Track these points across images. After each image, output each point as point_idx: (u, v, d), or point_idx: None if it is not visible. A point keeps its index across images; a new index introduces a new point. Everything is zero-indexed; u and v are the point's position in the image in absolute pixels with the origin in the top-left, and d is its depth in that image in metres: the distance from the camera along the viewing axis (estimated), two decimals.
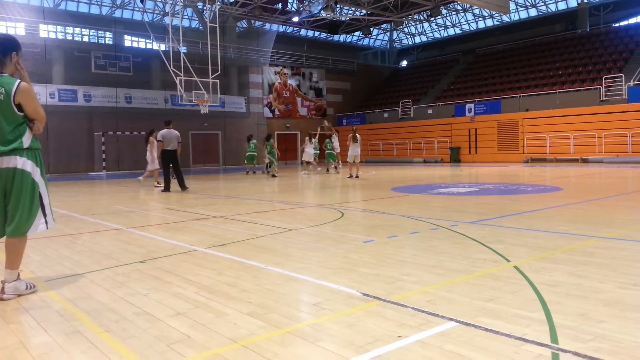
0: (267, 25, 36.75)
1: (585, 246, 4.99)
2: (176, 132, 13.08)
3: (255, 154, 21.78)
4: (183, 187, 13.19)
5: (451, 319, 2.90)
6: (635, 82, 23.69)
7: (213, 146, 31.94)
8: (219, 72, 22.48)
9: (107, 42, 31.89)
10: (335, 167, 22.01)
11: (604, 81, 24.48)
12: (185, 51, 24.83)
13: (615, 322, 2.80)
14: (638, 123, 22.30)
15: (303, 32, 39.16)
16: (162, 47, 28.48)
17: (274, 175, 19.73)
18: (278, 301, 3.40)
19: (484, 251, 4.79)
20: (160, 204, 10.23)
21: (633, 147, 22.43)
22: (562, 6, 34.36)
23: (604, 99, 24.15)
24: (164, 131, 12.93)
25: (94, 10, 32.30)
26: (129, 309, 3.33)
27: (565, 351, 2.41)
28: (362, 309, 3.17)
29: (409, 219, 7.35)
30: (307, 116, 36.34)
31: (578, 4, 32.74)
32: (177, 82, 21.68)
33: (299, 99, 35.98)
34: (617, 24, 31.41)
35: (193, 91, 22.52)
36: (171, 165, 13.19)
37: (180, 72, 21.58)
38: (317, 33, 39.70)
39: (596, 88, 24.56)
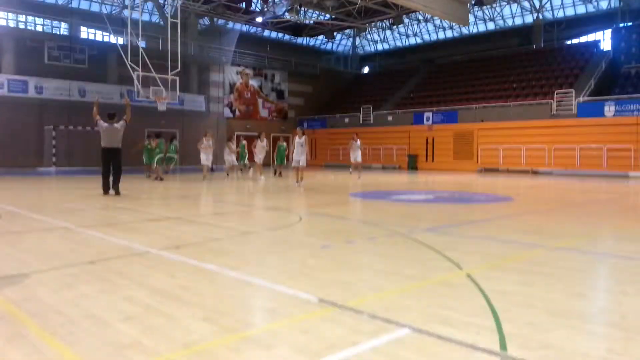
0: (230, 24, 36.37)
1: (533, 256, 5.17)
2: (118, 128, 11.28)
3: (174, 155, 21.18)
4: (116, 190, 11.24)
5: (405, 326, 2.93)
6: (585, 98, 24.80)
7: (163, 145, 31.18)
8: (179, 69, 22.04)
9: (62, 32, 30.74)
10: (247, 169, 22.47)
11: (555, 96, 25.51)
12: (144, 46, 24.20)
13: (562, 331, 2.90)
14: (586, 138, 23.33)
15: (266, 33, 38.97)
16: (120, 40, 27.69)
17: (243, 169, 21.13)
18: (233, 306, 3.36)
19: (438, 258, 4.89)
20: (113, 203, 9.92)
21: (581, 160, 23.45)
22: (518, 21, 35.60)
23: (555, 113, 25.15)
24: (105, 125, 11.18)
25: None
26: (77, 311, 3.21)
27: (513, 359, 2.48)
28: (318, 315, 3.17)
29: (367, 225, 7.42)
30: (268, 118, 36.15)
31: (533, 20, 34.00)
32: (135, 77, 21.09)
33: (260, 100, 35.75)
34: (569, 41, 32.82)
35: (151, 87, 21.97)
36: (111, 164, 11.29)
37: (138, 67, 21.03)
38: (280, 34, 39.61)
39: (548, 102, 25.55)
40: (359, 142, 19.30)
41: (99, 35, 32.32)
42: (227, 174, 20.53)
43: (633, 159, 21.88)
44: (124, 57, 21.22)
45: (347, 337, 2.77)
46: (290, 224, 7.41)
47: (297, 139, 15.02)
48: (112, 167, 11.25)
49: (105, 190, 11.23)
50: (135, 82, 21.28)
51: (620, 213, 9.39)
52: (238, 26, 36.75)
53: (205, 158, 17.78)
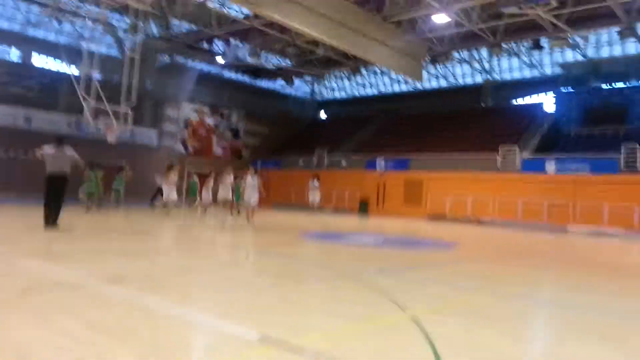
0: (190, 62, 36.43)
1: (478, 301, 5.25)
2: (67, 153, 10.16)
3: (120, 188, 20.78)
4: (54, 222, 9.92)
5: None
6: (528, 155, 26.11)
7: (109, 177, 30.23)
8: (134, 103, 21.73)
9: (13, 59, 29.87)
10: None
11: (500, 151, 26.72)
12: (99, 78, 23.83)
13: None
14: (529, 191, 24.41)
15: (226, 73, 39.24)
16: (75, 70, 27.16)
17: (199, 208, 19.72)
18: (170, 343, 3.19)
19: (384, 301, 4.87)
20: (51, 233, 9.42)
21: (523, 212, 24.41)
22: (469, 81, 37.49)
23: (500, 167, 26.28)
24: (50, 151, 10.01)
25: (3, 24, 30.28)
26: (3, 343, 2.96)
27: None
28: (259, 354, 3.06)
29: (316, 266, 7.35)
30: (222, 156, 35.90)
31: (483, 81, 35.95)
32: (85, 107, 20.61)
33: (215, 138, 35.56)
34: (516, 102, 34.80)
35: (101, 118, 21.49)
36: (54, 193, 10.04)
37: (90, 98, 20.59)
38: (240, 75, 39.95)
39: (494, 157, 26.71)
40: (316, 182, 18.98)
41: (52, 64, 31.57)
42: (154, 208, 19.93)
43: (571, 214, 22.98)
44: (76, 87, 20.78)
45: None
46: (237, 262, 7.25)
47: (249, 179, 14.69)
48: (54, 196, 9.94)
49: (47, 222, 9.82)
50: (86, 112, 20.79)
51: (559, 263, 9.75)
52: (198, 64, 36.87)
53: (169, 193, 16.83)
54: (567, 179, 23.61)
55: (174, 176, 16.84)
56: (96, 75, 22.42)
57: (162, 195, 25.98)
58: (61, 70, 30.11)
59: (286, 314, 4.14)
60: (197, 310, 4.10)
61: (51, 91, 27.99)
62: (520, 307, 5.17)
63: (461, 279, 6.75)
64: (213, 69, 38.01)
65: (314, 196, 18.82)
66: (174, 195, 16.94)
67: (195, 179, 22.75)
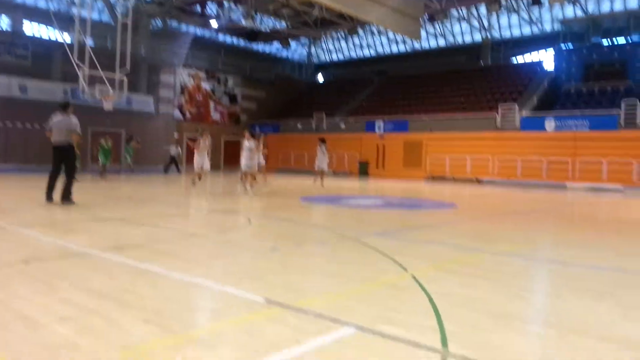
0: (184, 27, 35.74)
1: (476, 259, 5.33)
2: (72, 121, 9.45)
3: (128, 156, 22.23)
4: (66, 197, 9.20)
5: (350, 326, 2.94)
6: (527, 113, 25.96)
7: (116, 145, 30.23)
8: (128, 70, 21.43)
9: (4, 27, 29.25)
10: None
11: (500, 110, 26.54)
12: (92, 44, 23.41)
13: (501, 332, 3.00)
14: (528, 150, 24.40)
15: (221, 37, 38.53)
16: (67, 38, 26.68)
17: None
18: (175, 308, 3.26)
19: (385, 261, 4.95)
20: (53, 202, 9.47)
21: (522, 171, 24.47)
22: (468, 39, 36.84)
23: (499, 126, 26.17)
24: (57, 118, 9.38)
25: None
26: (9, 313, 3.03)
27: (454, 357, 2.53)
28: (263, 316, 3.13)
29: (316, 229, 7.43)
30: (219, 121, 35.70)
31: (482, 39, 35.32)
32: (80, 75, 20.35)
33: (212, 103, 35.27)
34: (515, 60, 34.31)
35: (97, 86, 21.25)
36: (63, 165, 9.36)
37: (85, 65, 20.30)
38: (235, 39, 39.25)
39: (493, 116, 26.56)
40: (324, 148, 17.30)
41: (43, 31, 30.95)
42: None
43: (570, 171, 23.04)
44: (69, 54, 20.45)
45: (292, 336, 2.74)
46: (239, 226, 7.32)
47: (245, 143, 14.32)
48: (62, 168, 9.26)
49: (49, 196, 9.16)
50: (81, 80, 20.54)
51: (557, 221, 9.85)
52: (192, 29, 36.17)
53: (202, 162, 15.29)
54: (566, 136, 23.57)
55: (204, 143, 15.28)
56: (89, 42, 22.02)
57: (176, 164, 26.11)
58: (53, 38, 29.57)
59: (288, 277, 4.21)
60: (201, 274, 4.17)
61: (45, 59, 27.56)
62: (518, 265, 5.25)
63: (460, 238, 6.83)
64: (207, 33, 37.32)
65: (322, 162, 17.24)
66: (207, 164, 15.41)
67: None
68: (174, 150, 26.65)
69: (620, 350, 2.73)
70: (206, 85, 34.92)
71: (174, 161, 26.61)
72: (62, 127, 9.23)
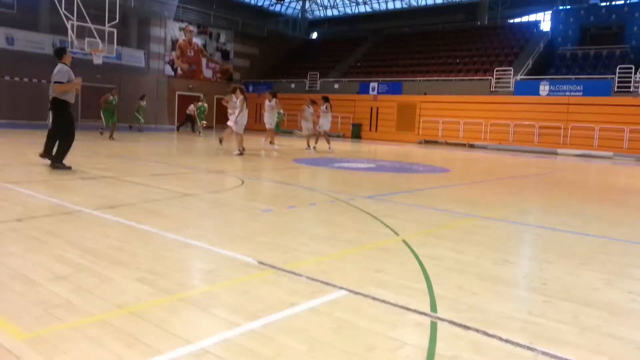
0: None
1: (466, 224, 5.41)
2: (55, 71, 7.97)
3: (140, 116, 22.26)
4: (56, 160, 8.11)
5: (342, 288, 3.00)
6: (522, 77, 25.77)
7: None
8: (117, 20, 20.87)
9: None
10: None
11: (495, 73, 26.33)
12: None
13: (487, 294, 3.08)
14: (521, 115, 24.37)
15: None
16: None
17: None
18: (169, 267, 3.30)
19: (376, 225, 5.01)
20: (44, 159, 9.38)
21: (514, 136, 24.52)
22: None
23: (493, 89, 26.01)
24: (55, 69, 8.03)
25: None
26: (3, 271, 3.05)
27: (442, 319, 2.61)
28: (257, 277, 3.18)
29: (309, 191, 7.46)
30: (212, 78, 35.13)
31: None
32: (69, 26, 19.81)
33: (204, 60, 34.59)
34: (511, 20, 33.78)
35: (86, 38, 20.72)
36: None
37: (73, 16, 19.73)
38: None
39: (488, 79, 26.35)
40: (326, 107, 16.32)
41: None
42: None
43: (562, 137, 23.13)
44: (57, 4, 19.82)
45: (285, 298, 2.80)
46: (232, 187, 7.33)
47: (267, 102, 15.23)
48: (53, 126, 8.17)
49: (43, 154, 8.22)
50: (69, 31, 20.02)
51: (547, 187, 9.96)
52: None
53: (240, 120, 13.13)
54: (560, 100, 23.51)
55: (238, 99, 13.14)
56: None
57: (191, 123, 25.73)
58: None
59: (280, 239, 4.26)
60: (194, 235, 4.20)
61: (32, 9, 26.68)
62: (507, 229, 5.34)
63: (452, 203, 6.90)
64: None
65: (325, 123, 16.21)
66: (243, 120, 13.11)
67: (204, 103, 23.61)
68: (191, 108, 26.03)
69: (603, 316, 2.82)
70: (198, 40, 34.14)
71: (189, 120, 26.12)
72: (51, 79, 8.08)
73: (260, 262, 3.46)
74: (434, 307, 2.78)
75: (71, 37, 19.99)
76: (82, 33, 20.61)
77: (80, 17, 19.90)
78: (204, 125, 23.71)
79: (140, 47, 31.25)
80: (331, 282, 3.10)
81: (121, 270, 3.17)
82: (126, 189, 6.54)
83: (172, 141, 18.54)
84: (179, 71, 33.17)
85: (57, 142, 8.09)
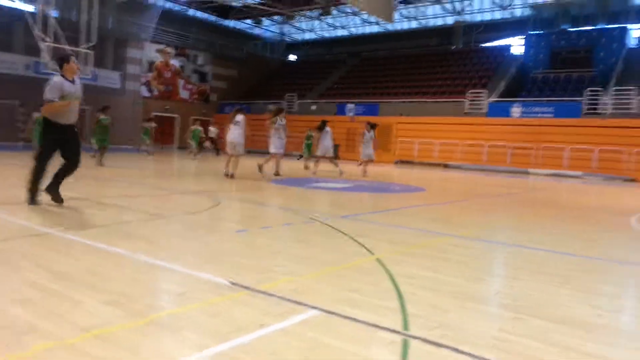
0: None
1: (441, 243, 5.47)
2: (52, 82, 6.31)
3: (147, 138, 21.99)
4: (29, 192, 6.38)
5: (314, 308, 3.00)
6: (495, 99, 26.42)
7: (80, 123, 29.41)
8: (93, 42, 20.79)
9: None
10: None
11: (469, 95, 26.92)
12: (56, 15, 22.56)
13: (459, 312, 3.11)
14: (494, 136, 24.91)
15: (191, 12, 37.61)
16: (30, 7, 25.57)
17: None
18: (140, 290, 3.25)
19: (351, 244, 5.02)
20: (11, 179, 9.21)
21: (488, 156, 25.00)
22: (440, 22, 37.09)
23: (467, 111, 26.57)
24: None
25: None
26: None
27: (414, 337, 2.62)
28: (229, 298, 3.15)
29: (285, 211, 7.46)
30: (188, 100, 35.08)
31: (454, 22, 35.57)
32: (43, 47, 19.64)
33: (181, 81, 34.57)
34: (485, 44, 34.72)
35: None
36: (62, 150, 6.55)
37: (49, 38, 19.58)
38: (206, 15, 38.39)
39: (462, 101, 26.92)
40: (372, 133, 15.87)
41: (4, 1, 29.58)
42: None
43: (534, 157, 23.67)
44: (32, 25, 19.68)
45: (257, 319, 2.78)
46: (207, 207, 7.28)
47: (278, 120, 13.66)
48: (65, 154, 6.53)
49: (36, 193, 6.43)
50: (44, 52, 19.84)
51: (519, 206, 10.15)
52: (161, 2, 35.20)
53: (280, 144, 13.63)
54: (531, 122, 24.15)
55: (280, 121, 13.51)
56: (53, 12, 21.23)
57: (215, 146, 25.31)
58: (15, 7, 28.31)
59: (254, 259, 4.24)
60: (166, 256, 4.15)
61: (6, 30, 26.42)
62: (480, 248, 5.42)
63: (427, 222, 6.98)
64: (177, 7, 36.38)
65: (368, 149, 15.70)
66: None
67: (199, 126, 23.50)
68: (213, 131, 25.70)
69: (571, 332, 2.87)
70: (175, 62, 34.17)
71: (213, 143, 25.79)
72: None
73: (233, 283, 3.44)
74: (406, 326, 2.79)
75: (45, 57, 19.80)
76: (57, 54, 20.44)
77: (56, 38, 19.76)
78: (206, 147, 23.72)
79: (116, 68, 31.13)
80: (304, 302, 3.09)
81: (90, 293, 3.11)
82: (99, 211, 6.44)
83: (148, 162, 18.35)
84: (155, 92, 33.06)
85: (61, 173, 6.58)
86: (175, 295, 3.27)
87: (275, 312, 2.91)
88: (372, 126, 16.21)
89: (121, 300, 3.00)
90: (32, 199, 6.35)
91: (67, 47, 20.19)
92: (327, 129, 15.75)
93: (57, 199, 6.46)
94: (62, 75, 6.39)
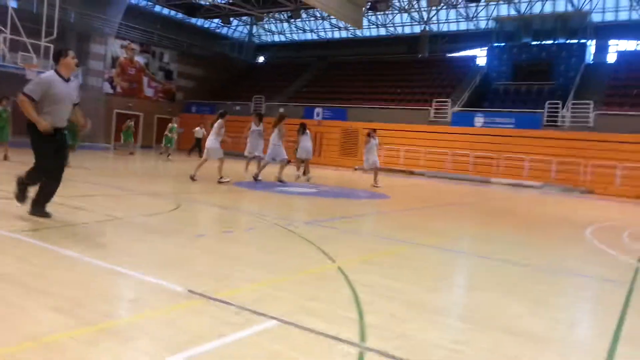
0: None
1: (401, 251, 5.50)
2: (36, 78, 5.77)
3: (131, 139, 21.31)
4: (33, 205, 5.74)
5: (273, 317, 2.95)
6: (459, 108, 26.97)
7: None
8: (54, 36, 20.12)
9: None
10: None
11: (433, 104, 27.38)
12: (15, 6, 21.76)
13: (417, 323, 3.12)
14: (457, 144, 25.39)
15: (158, 8, 36.90)
16: None
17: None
18: (91, 296, 3.13)
19: (313, 251, 5.00)
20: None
21: (451, 164, 25.46)
22: (407, 30, 37.61)
23: (432, 119, 27.02)
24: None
25: None
26: None
27: (370, 349, 2.61)
28: (185, 306, 3.07)
29: (247, 215, 7.37)
30: (153, 97, 34.37)
31: (421, 31, 36.15)
32: (1, 39, 18.91)
33: (145, 79, 33.84)
34: (451, 54, 35.41)
35: (20, 53, 19.82)
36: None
37: (6, 29, 18.86)
38: (173, 12, 37.73)
39: (427, 109, 27.36)
40: (377, 139, 15.72)
41: None
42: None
43: (495, 167, 24.24)
44: None
45: (213, 329, 2.72)
46: (167, 211, 7.12)
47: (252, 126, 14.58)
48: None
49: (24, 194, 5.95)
50: (1, 45, 19.11)
51: (480, 215, 10.35)
52: None
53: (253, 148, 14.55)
54: (493, 132, 24.72)
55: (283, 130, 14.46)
56: (12, 3, 20.47)
57: (199, 148, 24.39)
58: None
59: (212, 266, 4.16)
60: (120, 261, 4.02)
61: None
62: (440, 258, 5.48)
63: (389, 230, 7.02)
64: (143, 2, 35.63)
65: (373, 156, 15.36)
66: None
67: (175, 123, 22.60)
68: (199, 132, 24.78)
69: (523, 343, 2.92)
70: (140, 59, 33.43)
71: (198, 144, 24.84)
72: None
73: (190, 291, 3.35)
74: (363, 337, 2.78)
75: (3, 50, 19.07)
76: (16, 47, 19.72)
77: (15, 30, 19.04)
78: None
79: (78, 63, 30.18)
80: (262, 312, 3.04)
81: (38, 298, 2.97)
82: (52, 211, 6.20)
83: (107, 161, 17.87)
84: (118, 89, 32.26)
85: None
86: (128, 302, 3.16)
87: (234, 322, 2.84)
88: (373, 131, 16.43)
89: (70, 306, 2.88)
90: (22, 197, 5.85)
91: (25, 39, 19.49)
92: (307, 132, 16.26)
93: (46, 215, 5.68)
94: (57, 72, 5.47)
